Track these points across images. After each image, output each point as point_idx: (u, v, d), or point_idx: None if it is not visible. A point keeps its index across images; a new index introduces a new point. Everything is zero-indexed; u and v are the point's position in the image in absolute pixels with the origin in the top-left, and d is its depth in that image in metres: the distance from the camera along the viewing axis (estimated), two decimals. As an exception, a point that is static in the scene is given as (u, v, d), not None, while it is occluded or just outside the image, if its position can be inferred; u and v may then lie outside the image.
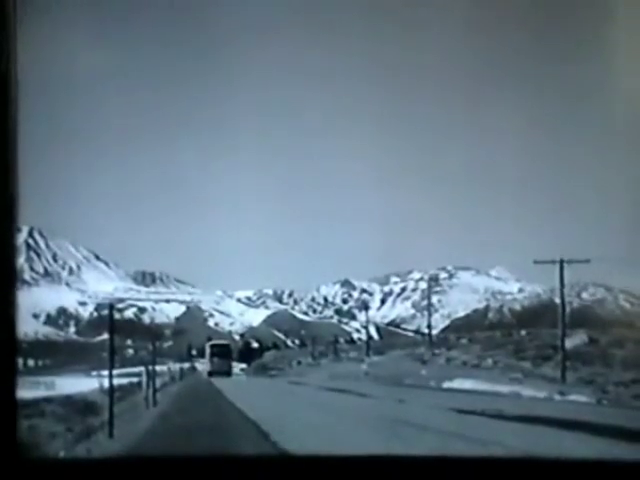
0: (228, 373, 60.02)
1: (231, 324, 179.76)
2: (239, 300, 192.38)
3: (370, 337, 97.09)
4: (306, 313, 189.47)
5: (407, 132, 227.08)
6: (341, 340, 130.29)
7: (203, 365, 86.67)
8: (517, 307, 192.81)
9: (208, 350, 65.42)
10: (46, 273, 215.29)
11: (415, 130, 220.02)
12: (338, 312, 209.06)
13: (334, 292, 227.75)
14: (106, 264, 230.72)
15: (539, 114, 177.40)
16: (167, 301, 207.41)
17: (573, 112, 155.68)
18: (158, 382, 27.09)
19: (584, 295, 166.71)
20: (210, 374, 58.67)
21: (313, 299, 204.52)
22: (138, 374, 26.73)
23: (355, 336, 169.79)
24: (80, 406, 18.41)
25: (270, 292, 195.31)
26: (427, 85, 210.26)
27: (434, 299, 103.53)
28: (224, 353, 64.93)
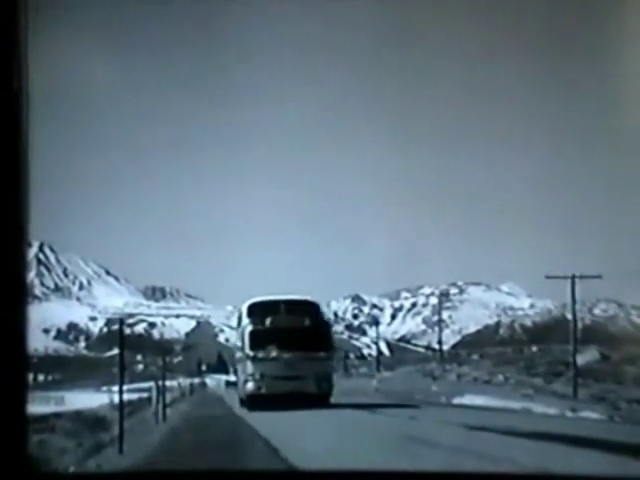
0: (324, 396, 22.91)
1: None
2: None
3: (380, 353, 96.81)
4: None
5: (418, 151, 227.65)
6: (351, 355, 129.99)
7: (213, 381, 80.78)
8: (528, 323, 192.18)
9: (249, 326, 23.51)
10: (56, 288, 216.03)
11: (426, 148, 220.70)
12: (348, 327, 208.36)
13: (345, 307, 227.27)
14: (116, 279, 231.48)
15: (549, 131, 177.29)
16: (177, 316, 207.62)
17: (583, 128, 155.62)
18: (168, 397, 27.09)
19: (596, 311, 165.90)
20: (255, 401, 22.44)
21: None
22: (148, 389, 26.74)
23: (365, 352, 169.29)
24: (90, 421, 18.44)
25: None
26: (438, 106, 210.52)
27: (445, 315, 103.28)
28: (299, 332, 23.11)
